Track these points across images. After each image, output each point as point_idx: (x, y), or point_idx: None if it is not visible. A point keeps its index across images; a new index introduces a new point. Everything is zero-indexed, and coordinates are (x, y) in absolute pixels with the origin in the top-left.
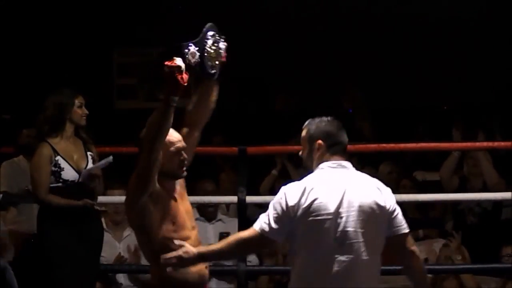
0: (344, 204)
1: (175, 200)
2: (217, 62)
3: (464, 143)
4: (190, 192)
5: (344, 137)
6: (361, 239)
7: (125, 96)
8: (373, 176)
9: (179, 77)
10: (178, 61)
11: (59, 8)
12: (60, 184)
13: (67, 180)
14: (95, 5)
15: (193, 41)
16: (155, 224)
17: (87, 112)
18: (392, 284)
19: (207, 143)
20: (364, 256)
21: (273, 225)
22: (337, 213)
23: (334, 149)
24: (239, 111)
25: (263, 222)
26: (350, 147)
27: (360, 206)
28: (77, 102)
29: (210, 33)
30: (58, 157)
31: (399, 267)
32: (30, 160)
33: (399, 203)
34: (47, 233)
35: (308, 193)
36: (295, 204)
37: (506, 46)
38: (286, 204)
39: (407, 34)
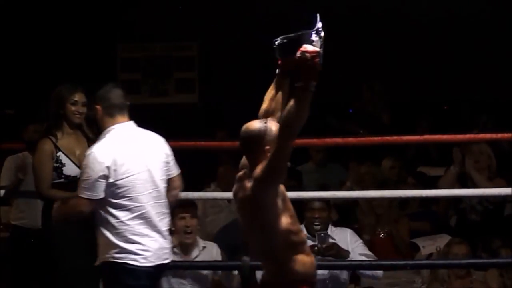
0: (148, 158)
1: (285, 192)
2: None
3: (466, 135)
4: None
5: (120, 99)
6: (163, 185)
7: (129, 91)
8: (375, 171)
9: (318, 63)
10: (312, 48)
11: (63, 2)
12: (62, 180)
13: (69, 176)
14: (99, 0)
15: (312, 30)
16: (278, 217)
17: (81, 111)
18: (395, 279)
19: (211, 137)
20: (164, 198)
21: (95, 187)
22: (146, 167)
23: (110, 111)
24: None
25: (85, 188)
26: (352, 139)
27: (158, 157)
28: (72, 98)
29: (320, 24)
30: (59, 153)
31: (402, 262)
32: (33, 155)
33: (403, 198)
34: (51, 229)
35: (117, 154)
36: (109, 165)
37: None
38: (100, 165)
39: (415, 31)
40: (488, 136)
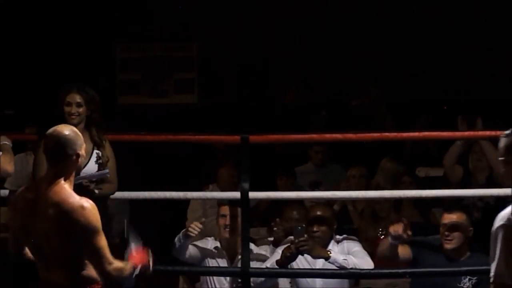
0: None
1: None
2: None
3: (467, 132)
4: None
5: None
6: None
7: (128, 91)
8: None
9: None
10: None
11: (62, 3)
12: None
13: None
14: (98, 0)
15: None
16: None
17: (74, 111)
18: (394, 280)
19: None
20: None
21: None
22: None
23: None
24: (243, 105)
25: None
26: (352, 135)
27: None
28: (66, 99)
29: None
30: None
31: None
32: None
33: (402, 199)
34: None
35: None
36: None
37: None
38: None
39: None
40: (487, 133)
